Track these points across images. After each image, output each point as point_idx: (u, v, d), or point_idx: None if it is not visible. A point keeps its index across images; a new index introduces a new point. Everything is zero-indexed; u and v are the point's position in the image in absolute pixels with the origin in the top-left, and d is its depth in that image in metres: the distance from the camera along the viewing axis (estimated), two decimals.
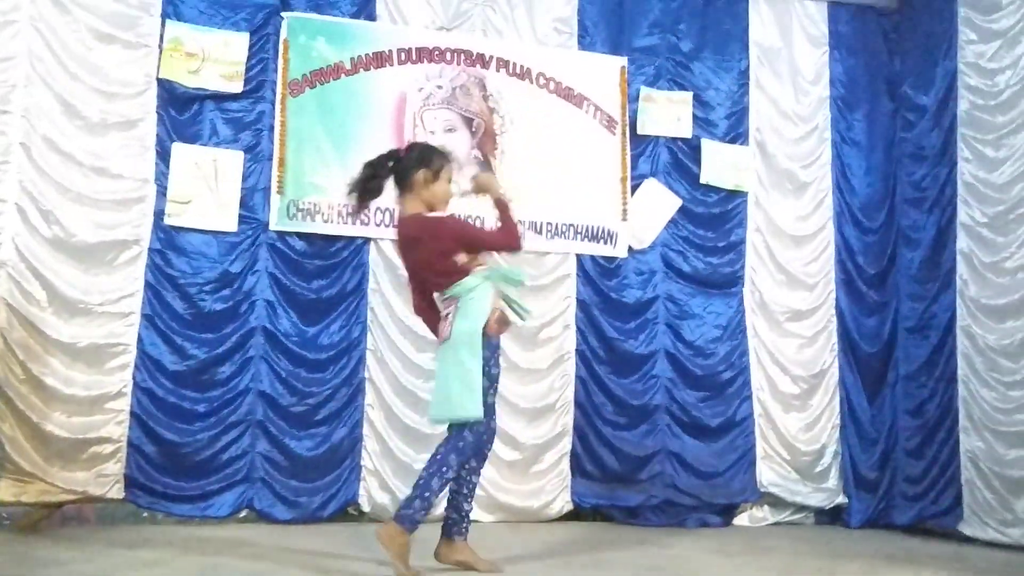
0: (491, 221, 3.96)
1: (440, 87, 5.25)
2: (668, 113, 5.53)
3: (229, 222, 4.84)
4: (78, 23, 4.68)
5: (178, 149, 4.78)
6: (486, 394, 3.52)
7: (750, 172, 5.64)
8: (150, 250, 4.72)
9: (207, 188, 4.81)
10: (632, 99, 5.49)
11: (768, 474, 5.47)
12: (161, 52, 4.79)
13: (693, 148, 5.57)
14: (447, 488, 3.62)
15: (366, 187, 3.67)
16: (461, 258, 3.59)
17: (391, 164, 3.69)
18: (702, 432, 5.40)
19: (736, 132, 5.66)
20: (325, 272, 4.97)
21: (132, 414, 4.61)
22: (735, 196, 5.62)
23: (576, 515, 5.26)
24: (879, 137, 5.82)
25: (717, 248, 5.58)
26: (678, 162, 5.57)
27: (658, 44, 5.60)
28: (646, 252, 5.48)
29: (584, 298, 5.36)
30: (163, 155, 4.78)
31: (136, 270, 4.70)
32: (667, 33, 5.61)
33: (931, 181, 5.47)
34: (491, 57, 5.33)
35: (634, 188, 5.46)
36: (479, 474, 3.80)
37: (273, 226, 4.90)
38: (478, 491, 5.01)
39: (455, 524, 3.68)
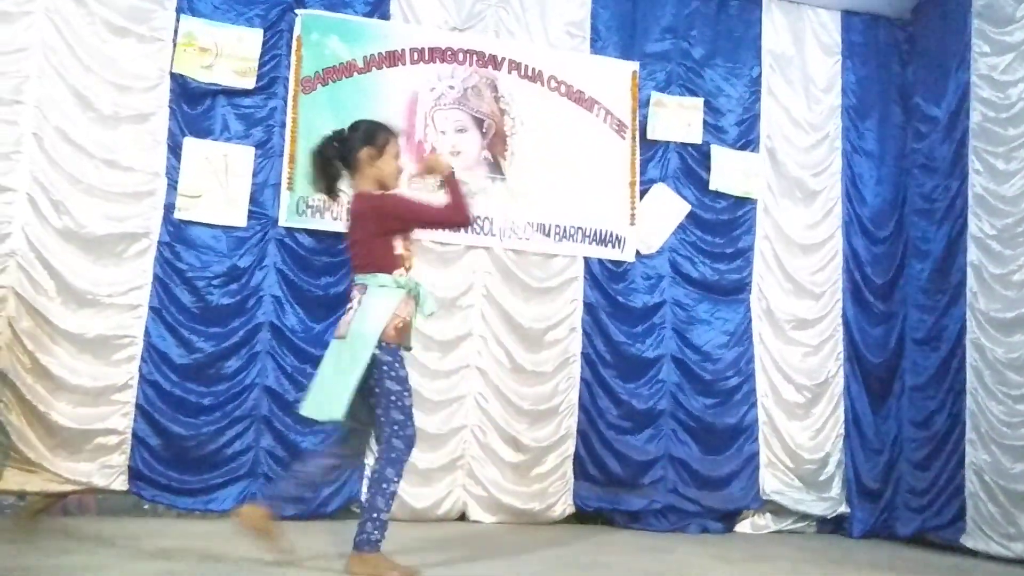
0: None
1: (452, 87, 5.26)
2: (679, 119, 5.53)
3: (239, 217, 4.86)
4: (93, 16, 4.71)
5: (189, 143, 4.81)
6: (400, 398, 3.36)
7: (760, 179, 5.64)
8: (159, 243, 4.75)
9: (217, 183, 4.83)
10: (643, 104, 5.50)
11: (771, 482, 5.47)
12: (175, 46, 4.82)
13: (703, 154, 5.58)
14: (394, 500, 3.40)
15: (325, 174, 3.57)
16: (399, 247, 3.46)
17: (336, 145, 3.57)
18: (707, 438, 5.40)
19: (747, 139, 5.67)
20: (333, 269, 4.98)
21: (138, 406, 4.63)
22: (744, 203, 5.62)
23: (578, 518, 5.26)
24: (890, 147, 5.82)
25: (725, 255, 5.58)
26: (688, 168, 5.58)
27: (670, 49, 5.61)
28: (654, 257, 5.49)
29: (591, 301, 5.36)
30: (174, 149, 4.80)
31: (145, 263, 4.72)
32: (679, 39, 5.62)
33: (942, 193, 5.46)
34: (503, 59, 5.34)
35: (643, 193, 5.47)
36: (333, 471, 3.66)
37: (282, 222, 4.92)
38: (480, 492, 5.07)
39: (282, 500, 3.54)
